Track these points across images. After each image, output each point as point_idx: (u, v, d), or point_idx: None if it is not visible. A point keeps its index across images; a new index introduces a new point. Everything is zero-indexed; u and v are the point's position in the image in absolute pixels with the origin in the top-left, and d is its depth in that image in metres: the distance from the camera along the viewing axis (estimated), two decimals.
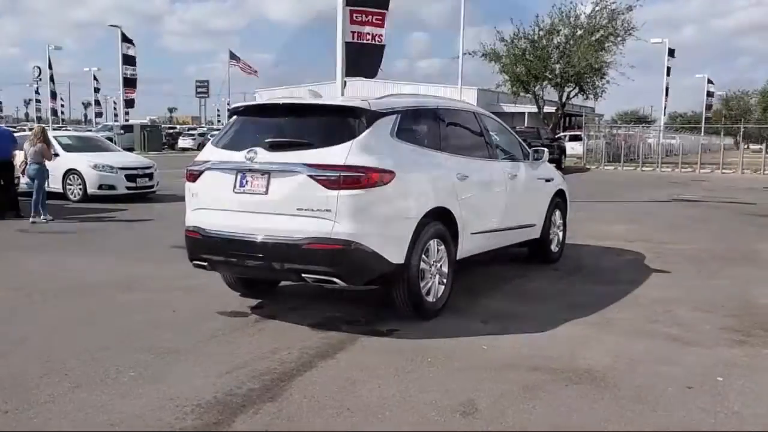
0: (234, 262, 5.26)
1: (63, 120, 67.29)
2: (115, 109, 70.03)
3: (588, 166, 32.33)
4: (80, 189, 14.06)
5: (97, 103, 69.79)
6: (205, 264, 5.44)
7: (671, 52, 48.10)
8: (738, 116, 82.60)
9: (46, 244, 9.26)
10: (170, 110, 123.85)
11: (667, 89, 48.87)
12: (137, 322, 5.36)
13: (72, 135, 16.85)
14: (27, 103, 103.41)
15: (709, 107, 67.71)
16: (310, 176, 4.85)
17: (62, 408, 3.71)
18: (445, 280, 5.62)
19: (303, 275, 4.96)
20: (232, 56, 78.07)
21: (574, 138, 38.46)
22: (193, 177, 5.45)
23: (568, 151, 33.52)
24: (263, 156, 5.04)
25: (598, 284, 6.96)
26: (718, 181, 24.46)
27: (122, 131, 37.48)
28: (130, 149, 27.59)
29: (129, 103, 37.60)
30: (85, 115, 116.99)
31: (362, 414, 3.67)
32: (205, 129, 56.64)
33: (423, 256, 5.30)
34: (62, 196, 14.08)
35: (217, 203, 5.29)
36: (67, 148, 14.69)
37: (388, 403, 3.81)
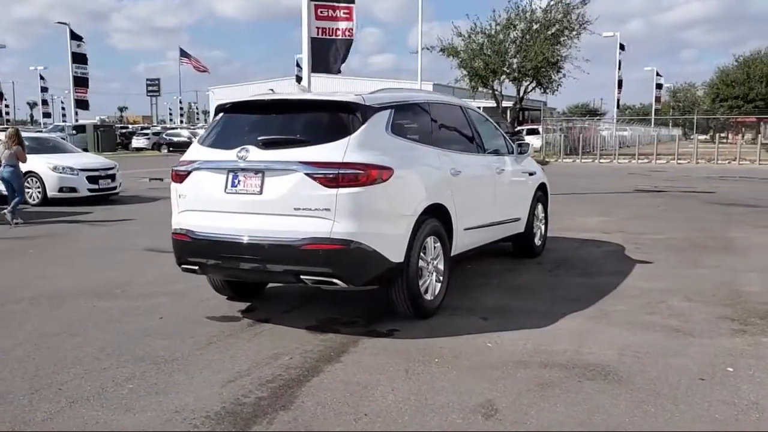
0: (227, 265, 5.06)
1: (8, 121, 65.10)
2: (63, 109, 68.17)
3: (547, 160, 32.68)
4: (39, 192, 13.54)
5: (45, 102, 67.89)
6: (195, 268, 5.23)
7: (622, 46, 49.09)
8: (686, 108, 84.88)
9: (14, 250, 8.85)
10: (120, 109, 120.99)
11: (620, 82, 49.89)
12: (124, 331, 5.13)
13: (28, 136, 16.24)
14: None
15: (658, 99, 69.28)
16: (307, 174, 4.69)
17: (63, 426, 3.49)
18: (441, 278, 5.53)
19: (302, 277, 4.80)
20: (183, 54, 76.83)
21: (531, 132, 38.86)
22: (180, 178, 5.23)
23: None
24: (256, 154, 4.86)
25: (585, 276, 6.96)
26: (675, 172, 24.98)
27: (74, 132, 36.40)
28: (84, 150, 26.76)
29: (82, 104, 36.62)
30: (31, 116, 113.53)
31: (382, 419, 3.54)
32: (158, 128, 55.38)
33: (421, 253, 5.20)
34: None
35: (207, 204, 5.09)
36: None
37: (406, 406, 3.69)
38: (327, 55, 14.60)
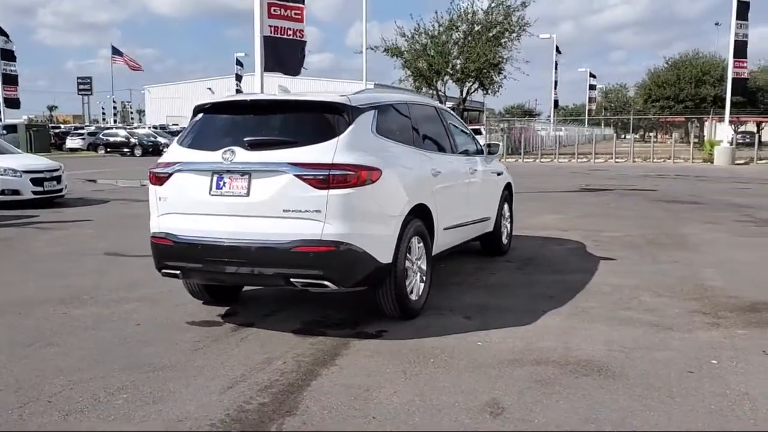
0: (212, 268, 4.94)
1: None
2: None
3: None
4: None
5: None
6: (177, 272, 5.10)
7: (558, 48, 50.32)
8: (618, 108, 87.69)
9: None
10: (50, 108, 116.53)
11: (556, 83, 51.13)
12: (103, 339, 4.95)
13: None
14: None
15: (591, 100, 71.33)
16: (297, 176, 4.63)
17: None
18: (425, 278, 5.55)
19: (291, 280, 4.73)
20: (115, 51, 74.78)
21: (474, 132, 39.33)
22: (160, 180, 5.09)
23: None
24: (242, 156, 4.77)
25: (555, 274, 7.11)
26: (614, 170, 25.77)
27: (5, 131, 34.89)
28: None
29: (12, 103, 35.21)
30: None
31: (391, 421, 3.53)
32: (93, 128, 53.68)
33: (407, 254, 5.21)
34: None
35: (190, 207, 4.96)
36: None
37: (412, 408, 3.69)
38: (280, 54, 14.44)
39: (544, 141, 45.13)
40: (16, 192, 12.97)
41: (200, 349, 4.71)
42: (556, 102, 54.54)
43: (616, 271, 7.17)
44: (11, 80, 36.52)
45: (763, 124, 58.17)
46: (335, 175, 4.62)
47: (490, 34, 35.03)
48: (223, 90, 78.52)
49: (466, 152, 7.14)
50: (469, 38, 35.07)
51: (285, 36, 14.65)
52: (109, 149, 40.43)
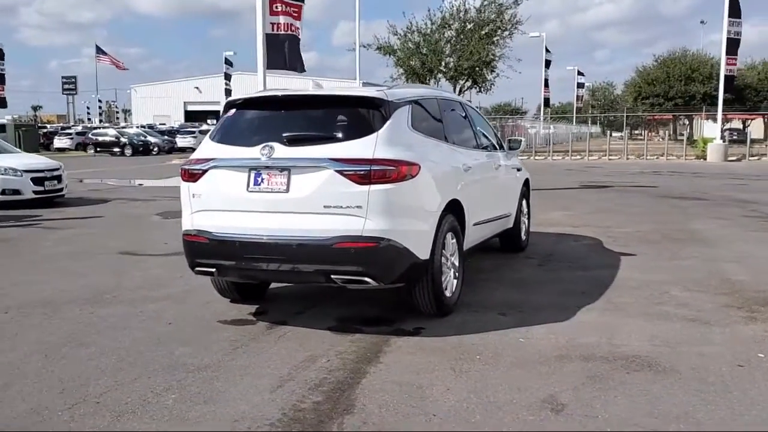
0: (249, 266, 4.86)
1: None
2: None
3: None
4: None
5: None
6: (213, 270, 5.01)
7: (547, 47, 50.41)
8: (606, 106, 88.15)
9: None
10: (34, 108, 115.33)
11: (546, 81, 51.18)
12: (138, 339, 4.86)
13: None
14: None
15: (579, 98, 71.64)
16: (338, 171, 4.56)
17: None
18: (457, 274, 5.50)
19: (332, 276, 4.66)
20: (99, 51, 74.17)
21: None
22: (194, 176, 5.00)
23: None
24: (281, 151, 4.69)
25: (579, 270, 7.08)
26: (609, 167, 25.87)
27: None
28: None
29: (1, 102, 34.62)
30: None
31: (453, 419, 3.47)
32: (80, 128, 53.19)
33: (442, 250, 5.15)
34: None
35: (226, 204, 4.87)
36: None
37: (471, 406, 3.63)
38: (283, 51, 14.35)
39: (534, 139, 45.21)
40: (17, 192, 12.79)
41: (239, 348, 4.63)
42: (546, 100, 54.71)
43: (638, 267, 7.15)
44: (0, 79, 36.04)
45: (749, 120, 58.82)
46: (376, 171, 4.56)
47: (483, 32, 34.90)
48: (211, 89, 78.11)
49: (488, 147, 7.10)
50: (462, 36, 34.95)
51: (286, 32, 14.59)
52: (98, 149, 40.04)
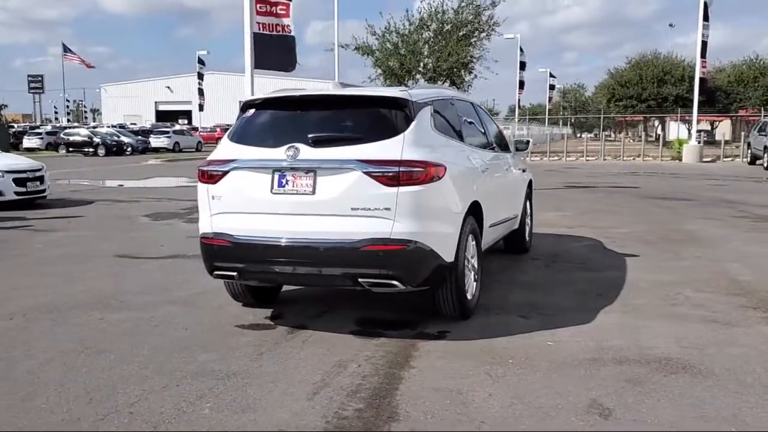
0: (273, 269, 4.74)
1: None
2: None
3: None
4: None
5: None
6: (233, 274, 4.87)
7: (521, 49, 50.76)
8: (577, 107, 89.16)
9: None
10: None
11: (522, 83, 51.52)
12: (157, 345, 4.71)
13: None
14: None
15: (550, 99, 72.32)
16: (366, 173, 4.46)
17: None
18: (476, 276, 5.45)
19: (360, 280, 4.57)
20: (66, 49, 72.85)
21: None
22: (213, 178, 4.86)
23: None
24: (307, 152, 4.58)
25: (587, 271, 7.07)
26: (589, 168, 26.09)
27: None
28: None
29: None
30: None
31: (502, 427, 3.41)
32: (49, 127, 52.15)
33: (465, 252, 5.10)
34: None
35: (249, 206, 4.75)
36: None
37: (516, 411, 3.58)
38: (270, 51, 14.19)
39: (510, 140, 45.46)
40: None
41: (264, 354, 4.52)
42: (520, 101, 55.11)
43: (645, 268, 7.17)
44: None
45: (716, 122, 59.87)
46: (405, 172, 4.48)
47: (461, 33, 35.03)
48: (182, 89, 77.27)
49: (499, 148, 7.06)
50: (440, 37, 35.01)
51: (273, 32, 14.45)
52: (71, 149, 39.25)
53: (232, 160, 4.80)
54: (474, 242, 5.38)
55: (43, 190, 13.23)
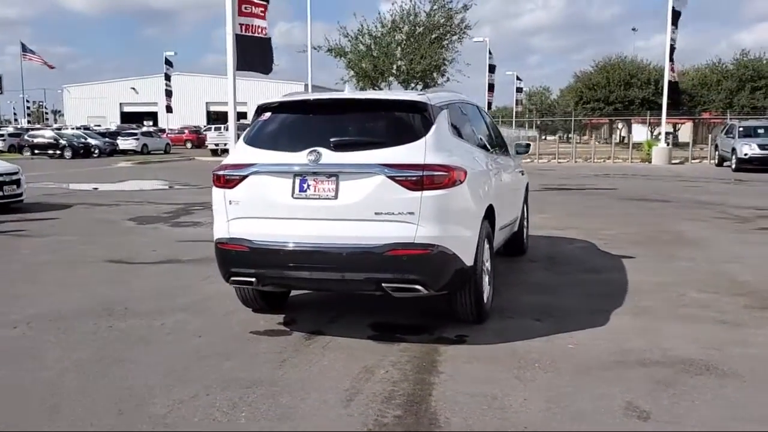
0: (294, 275, 4.68)
1: None
2: None
3: None
4: None
5: None
6: (251, 280, 4.79)
7: (490, 51, 51.14)
8: (543, 110, 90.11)
9: None
10: None
11: (491, 86, 51.88)
12: (174, 354, 4.62)
13: None
14: None
15: (518, 102, 72.99)
16: (390, 177, 4.43)
17: None
18: (490, 280, 5.45)
19: (383, 285, 4.53)
20: (26, 49, 71.23)
21: None
22: (231, 183, 4.78)
23: None
24: (329, 157, 4.53)
25: (588, 273, 7.13)
26: (562, 170, 26.37)
27: None
28: None
29: None
30: None
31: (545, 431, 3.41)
32: (11, 129, 50.99)
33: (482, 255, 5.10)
34: None
35: (269, 211, 4.68)
36: None
37: (555, 416, 3.58)
38: (251, 53, 14.05)
39: None
40: None
41: (286, 360, 4.45)
42: (489, 104, 55.48)
43: (644, 269, 7.25)
44: None
45: (678, 125, 61.05)
46: (428, 176, 4.46)
47: (433, 36, 35.21)
48: (148, 90, 76.13)
49: (503, 151, 7.08)
50: (412, 40, 35.13)
51: (254, 34, 14.32)
52: (36, 151, 38.38)
53: (251, 164, 4.73)
54: (488, 245, 5.38)
55: (20, 194, 12.90)
